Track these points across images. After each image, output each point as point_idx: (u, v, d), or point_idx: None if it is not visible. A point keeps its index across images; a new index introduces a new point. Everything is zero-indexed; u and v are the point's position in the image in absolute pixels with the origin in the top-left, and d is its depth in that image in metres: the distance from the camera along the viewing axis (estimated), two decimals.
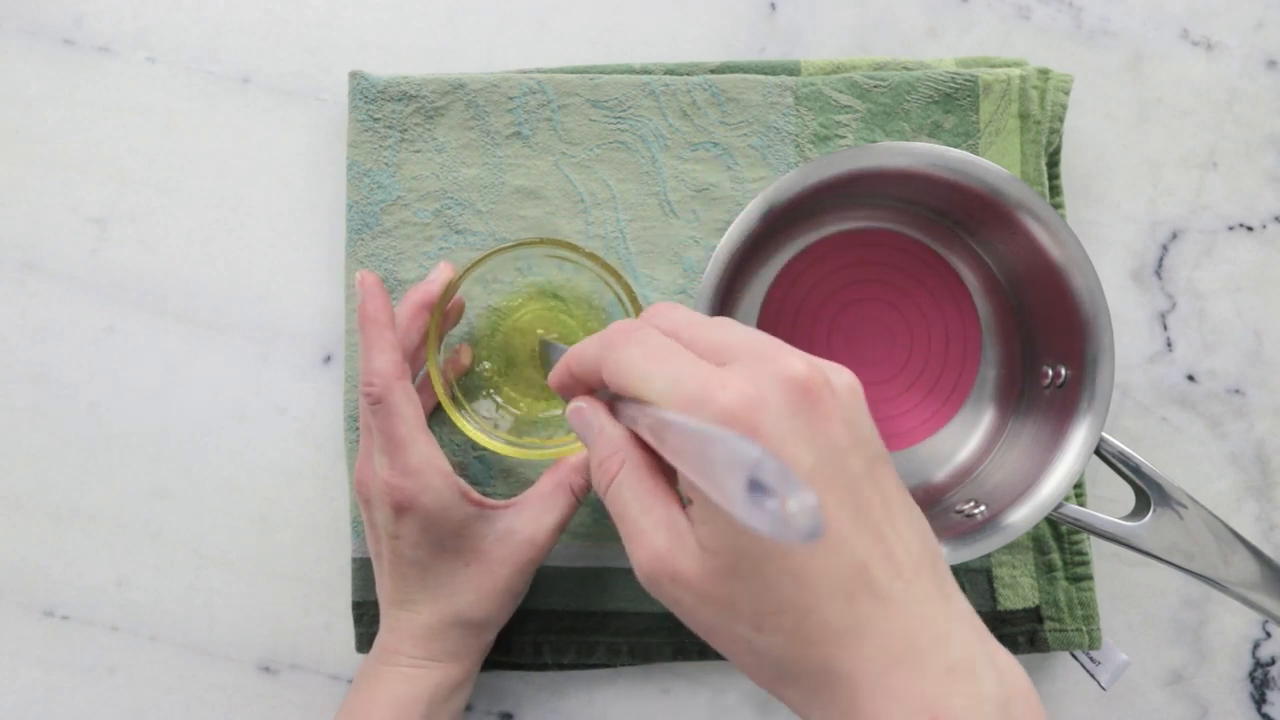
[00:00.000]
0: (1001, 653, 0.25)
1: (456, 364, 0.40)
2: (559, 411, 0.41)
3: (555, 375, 0.30)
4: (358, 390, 0.40)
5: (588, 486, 0.38)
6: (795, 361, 0.24)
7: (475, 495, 0.37)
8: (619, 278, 0.37)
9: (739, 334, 0.26)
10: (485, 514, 0.37)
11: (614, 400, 0.28)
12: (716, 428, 0.20)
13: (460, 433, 0.38)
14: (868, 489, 0.24)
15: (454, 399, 0.38)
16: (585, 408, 0.28)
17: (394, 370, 0.35)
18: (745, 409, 0.23)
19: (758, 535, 0.23)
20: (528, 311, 0.40)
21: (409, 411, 0.35)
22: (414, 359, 0.39)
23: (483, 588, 0.36)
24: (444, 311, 0.37)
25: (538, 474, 0.41)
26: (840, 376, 0.25)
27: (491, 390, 0.40)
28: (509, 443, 0.37)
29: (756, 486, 0.18)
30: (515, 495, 0.42)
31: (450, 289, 0.37)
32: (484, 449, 0.38)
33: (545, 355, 0.39)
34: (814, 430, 0.24)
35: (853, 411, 0.25)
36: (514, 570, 0.37)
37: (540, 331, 0.40)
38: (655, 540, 0.25)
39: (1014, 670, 0.25)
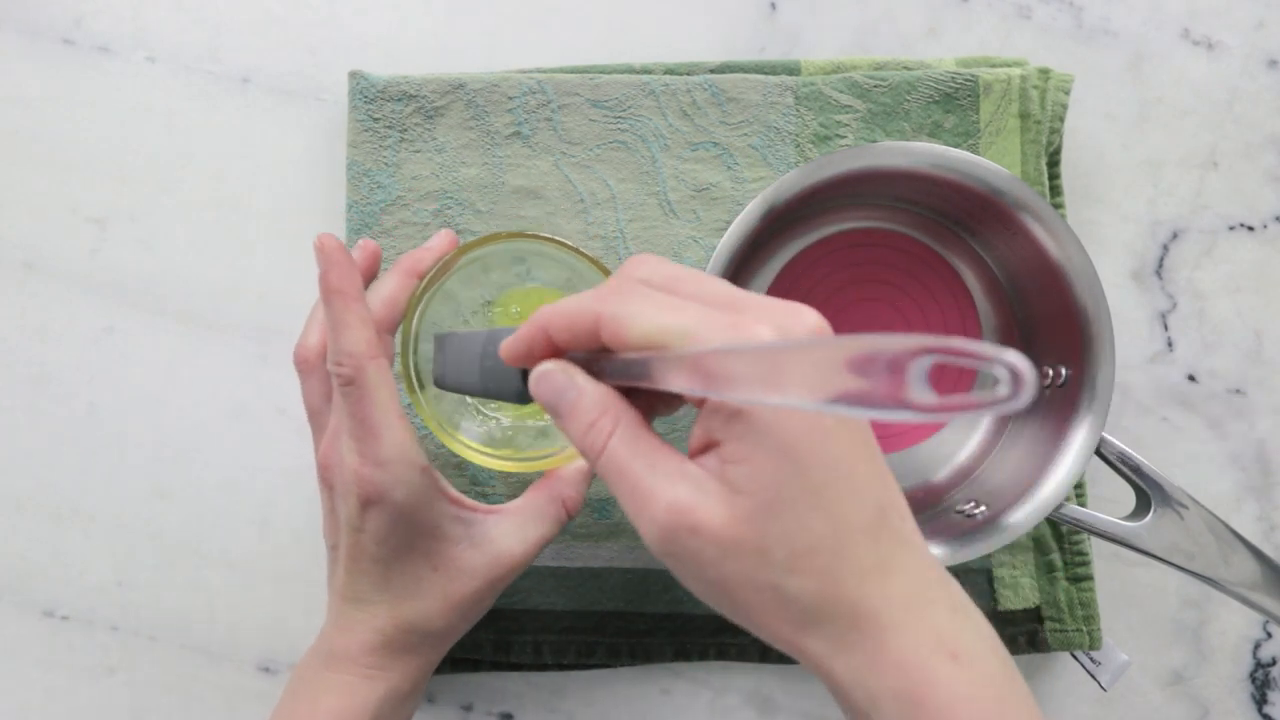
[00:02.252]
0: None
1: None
2: (544, 421, 0.39)
3: (519, 341, 0.27)
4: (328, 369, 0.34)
5: (581, 501, 0.35)
6: (813, 313, 0.24)
7: (454, 493, 0.34)
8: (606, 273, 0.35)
9: (735, 288, 0.25)
10: (463, 516, 0.33)
11: (590, 361, 0.26)
12: (832, 335, 0.20)
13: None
14: (872, 439, 0.25)
15: (419, 391, 0.35)
16: (556, 369, 0.26)
17: (367, 348, 0.31)
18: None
19: (792, 474, 0.23)
20: (516, 315, 0.40)
21: (383, 394, 0.31)
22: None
23: (449, 597, 0.33)
24: (430, 293, 0.35)
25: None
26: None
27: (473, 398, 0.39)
28: (481, 452, 0.35)
29: (916, 375, 0.16)
30: (511, 496, 0.41)
31: (432, 276, 0.34)
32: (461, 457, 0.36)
33: (445, 348, 0.33)
34: None
35: None
36: (484, 583, 0.33)
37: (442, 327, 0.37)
38: (672, 492, 0.24)
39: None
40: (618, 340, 0.25)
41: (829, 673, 0.24)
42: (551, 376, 0.26)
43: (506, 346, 0.28)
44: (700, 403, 0.25)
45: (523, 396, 0.29)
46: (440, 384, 0.33)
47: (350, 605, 0.33)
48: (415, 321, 0.35)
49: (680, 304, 0.24)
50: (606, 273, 0.36)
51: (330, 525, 0.34)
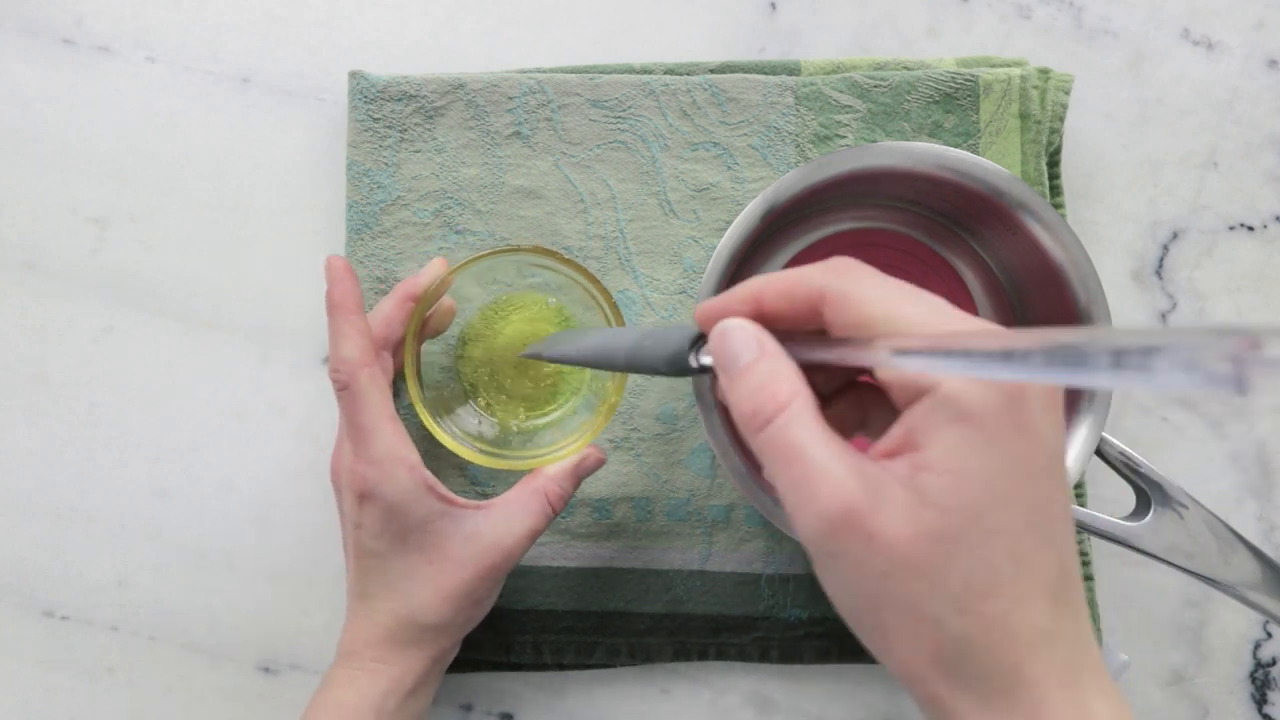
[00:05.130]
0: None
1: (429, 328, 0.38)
2: (539, 421, 0.40)
3: (722, 302, 0.25)
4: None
5: (565, 496, 0.36)
6: None
7: (443, 491, 0.35)
8: (601, 289, 0.36)
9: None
10: (453, 512, 0.35)
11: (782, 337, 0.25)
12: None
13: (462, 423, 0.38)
14: (1071, 496, 0.24)
15: (425, 401, 0.36)
16: (747, 325, 0.24)
17: (361, 356, 0.34)
18: None
19: (999, 503, 0.21)
20: (512, 322, 0.40)
21: (375, 399, 0.34)
22: (397, 352, 0.38)
23: (441, 588, 0.35)
24: (427, 312, 0.36)
25: None
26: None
27: (472, 397, 0.40)
28: (483, 451, 0.36)
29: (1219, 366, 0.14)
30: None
31: (429, 295, 0.36)
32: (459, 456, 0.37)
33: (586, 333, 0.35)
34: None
35: (1048, 414, 0.23)
36: (475, 574, 0.35)
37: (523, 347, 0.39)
38: (847, 487, 0.21)
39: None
40: (844, 316, 0.23)
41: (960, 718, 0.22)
42: (737, 332, 0.24)
43: (705, 308, 0.26)
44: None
45: (674, 365, 0.27)
46: (575, 359, 0.33)
47: (358, 602, 0.36)
48: (417, 329, 0.36)
49: (916, 294, 0.23)
50: (589, 276, 0.36)
51: (342, 526, 0.37)
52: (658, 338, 0.28)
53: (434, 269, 0.38)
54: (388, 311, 0.37)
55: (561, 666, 0.42)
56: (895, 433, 0.23)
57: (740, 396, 0.24)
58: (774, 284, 0.25)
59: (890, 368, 0.22)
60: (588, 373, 0.41)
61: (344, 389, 0.34)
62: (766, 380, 0.23)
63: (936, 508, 0.21)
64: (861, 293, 0.23)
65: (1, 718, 0.42)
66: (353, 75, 0.42)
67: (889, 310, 0.22)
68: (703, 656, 0.42)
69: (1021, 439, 0.21)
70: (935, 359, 0.19)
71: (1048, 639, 0.22)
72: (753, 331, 0.24)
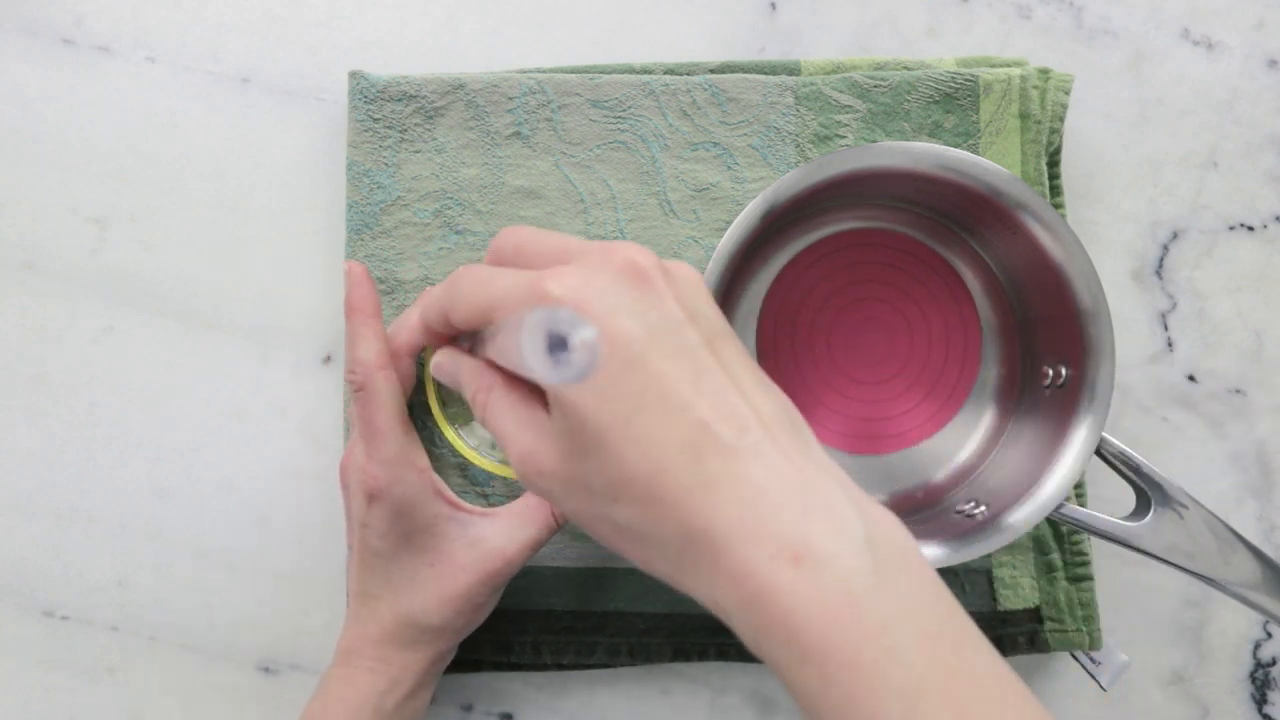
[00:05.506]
0: (869, 502, 0.25)
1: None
2: None
3: (408, 333, 0.33)
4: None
5: None
6: (630, 250, 0.25)
7: (450, 495, 0.37)
8: None
9: (582, 240, 0.27)
10: (459, 516, 0.36)
11: (474, 346, 0.30)
12: (528, 310, 0.21)
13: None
14: (707, 358, 0.25)
15: (445, 406, 0.37)
16: (444, 359, 0.31)
17: (377, 359, 0.35)
18: (572, 293, 0.24)
19: (596, 409, 0.24)
20: None
21: (389, 402, 0.35)
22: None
23: (442, 591, 0.35)
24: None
25: None
26: (680, 268, 0.26)
27: None
28: (500, 460, 0.37)
29: (558, 344, 0.19)
30: (512, 498, 0.42)
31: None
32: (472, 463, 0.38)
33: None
34: (646, 305, 0.25)
35: (691, 293, 0.26)
36: (477, 579, 0.36)
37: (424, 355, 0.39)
38: (522, 440, 0.26)
39: (878, 509, 0.25)
40: (459, 322, 0.28)
41: (693, 595, 0.25)
42: (441, 367, 0.31)
43: (402, 339, 0.35)
44: None
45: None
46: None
47: (360, 602, 0.36)
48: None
49: (498, 275, 0.27)
50: None
51: (348, 526, 0.38)
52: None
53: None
54: (413, 320, 0.37)
55: (561, 666, 0.42)
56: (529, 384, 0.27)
57: (473, 407, 0.29)
58: (426, 310, 0.31)
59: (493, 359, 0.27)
60: None
61: (360, 390, 0.35)
62: (473, 387, 0.29)
63: (560, 435, 0.25)
64: (454, 296, 0.29)
65: (1, 718, 0.42)
66: (353, 75, 0.42)
67: (469, 307, 0.28)
68: (703, 656, 0.42)
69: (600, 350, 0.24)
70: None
71: (703, 489, 0.23)
72: (448, 357, 0.31)
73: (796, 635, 0.22)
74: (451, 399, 0.39)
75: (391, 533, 0.35)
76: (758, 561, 0.23)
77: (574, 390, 0.24)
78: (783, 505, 0.23)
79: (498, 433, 0.28)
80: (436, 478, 0.36)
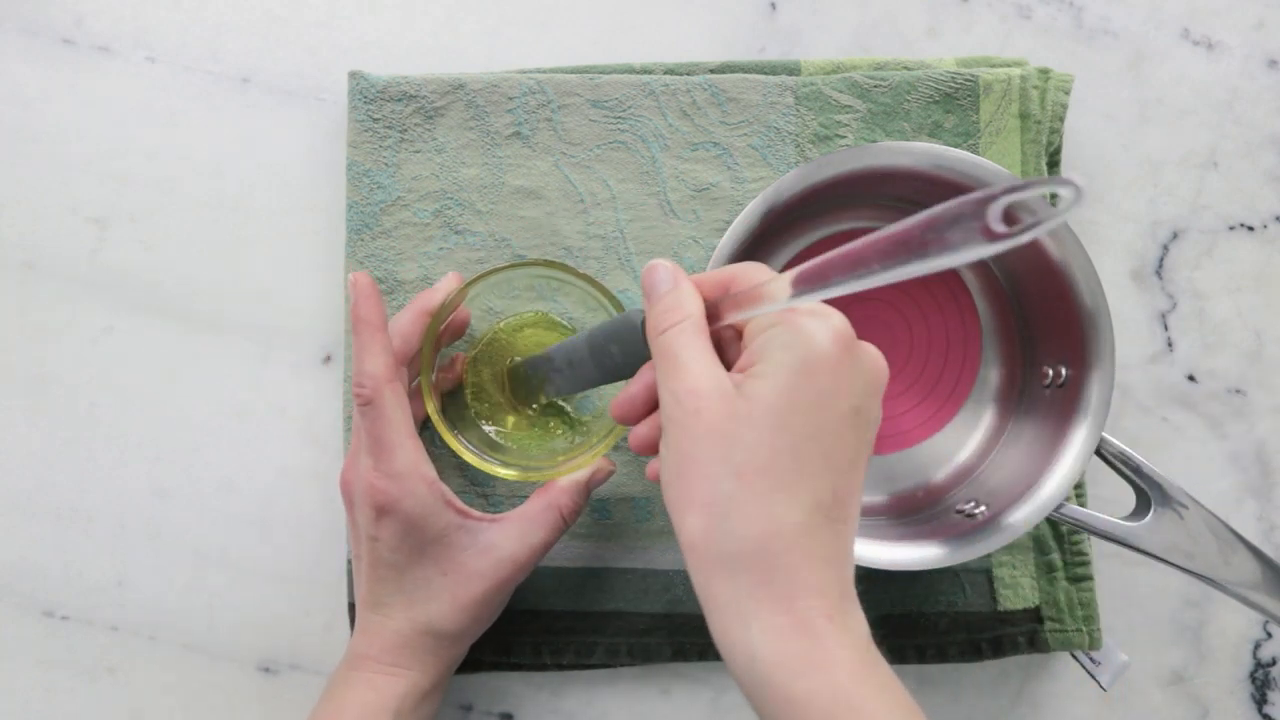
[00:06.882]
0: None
1: (452, 373, 0.40)
2: (552, 442, 0.40)
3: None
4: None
5: (577, 510, 0.37)
6: (841, 320, 0.29)
7: (460, 504, 0.37)
8: (612, 299, 0.37)
9: None
10: (468, 525, 0.36)
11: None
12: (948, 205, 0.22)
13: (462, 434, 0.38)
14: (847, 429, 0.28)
15: (443, 413, 0.37)
16: (670, 266, 0.31)
17: (385, 372, 0.35)
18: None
19: (796, 404, 0.27)
20: (523, 337, 0.40)
21: (398, 415, 0.35)
22: (413, 364, 0.38)
23: (457, 599, 0.36)
24: (441, 327, 0.37)
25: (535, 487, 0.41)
26: (868, 351, 0.29)
27: (486, 411, 0.40)
28: (501, 463, 0.37)
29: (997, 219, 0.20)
30: (513, 501, 0.41)
31: (444, 310, 0.37)
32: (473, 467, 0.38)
33: (520, 374, 0.39)
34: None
35: (867, 380, 0.29)
36: (490, 586, 0.36)
37: (516, 358, 0.40)
38: (696, 373, 0.28)
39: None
40: (747, 280, 0.30)
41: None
42: (660, 269, 0.31)
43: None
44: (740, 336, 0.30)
45: (628, 341, 0.33)
46: (558, 391, 0.37)
47: (370, 611, 0.36)
48: (434, 344, 0.37)
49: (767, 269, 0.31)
50: (601, 288, 0.37)
51: (353, 538, 0.37)
52: (611, 363, 0.34)
53: (448, 284, 0.39)
54: (404, 326, 0.37)
55: (561, 666, 0.42)
56: (743, 358, 0.29)
57: (653, 314, 0.30)
58: (704, 281, 0.31)
59: (781, 304, 0.28)
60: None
61: (367, 404, 0.35)
62: (672, 304, 0.30)
63: (745, 397, 0.27)
64: (746, 272, 0.30)
65: (1, 718, 0.42)
66: (353, 75, 0.42)
67: (763, 274, 0.30)
68: (703, 656, 0.42)
69: (829, 379, 0.27)
70: (816, 288, 0.26)
71: (803, 533, 0.26)
72: (672, 269, 0.31)
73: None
74: (449, 402, 0.39)
75: (403, 545, 0.35)
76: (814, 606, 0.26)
77: (787, 375, 0.27)
78: (849, 599, 0.27)
79: (668, 354, 0.29)
80: (445, 488, 0.36)
